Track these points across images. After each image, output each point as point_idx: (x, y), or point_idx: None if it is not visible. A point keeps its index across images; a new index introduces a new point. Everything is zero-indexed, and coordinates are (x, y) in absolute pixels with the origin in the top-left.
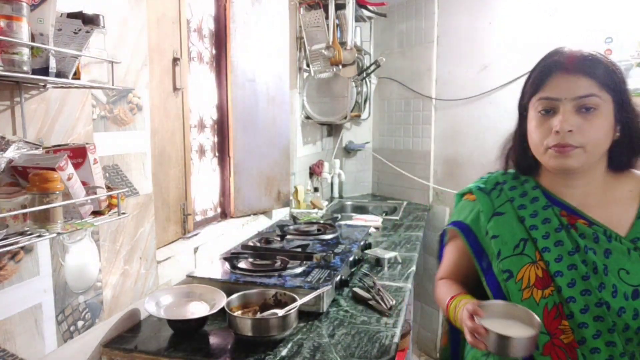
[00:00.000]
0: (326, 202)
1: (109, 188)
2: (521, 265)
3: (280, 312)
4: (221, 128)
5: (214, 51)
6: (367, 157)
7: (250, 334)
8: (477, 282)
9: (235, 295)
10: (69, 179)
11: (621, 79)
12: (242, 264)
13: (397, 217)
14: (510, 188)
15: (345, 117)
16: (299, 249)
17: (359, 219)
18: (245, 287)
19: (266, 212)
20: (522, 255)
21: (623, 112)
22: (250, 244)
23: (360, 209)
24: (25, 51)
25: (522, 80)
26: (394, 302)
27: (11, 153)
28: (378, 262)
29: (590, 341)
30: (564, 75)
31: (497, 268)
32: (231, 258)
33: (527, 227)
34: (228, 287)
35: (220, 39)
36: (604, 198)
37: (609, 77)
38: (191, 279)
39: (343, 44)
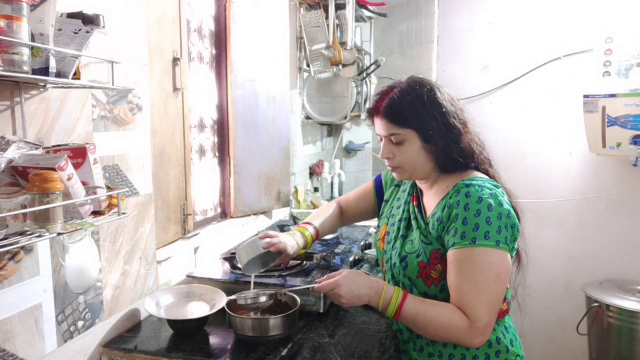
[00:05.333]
0: (326, 202)
1: (109, 188)
2: (382, 223)
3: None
4: (221, 128)
5: (214, 51)
6: (367, 157)
7: (250, 334)
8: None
9: (235, 295)
10: (69, 179)
11: (421, 112)
12: None
13: None
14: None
15: (345, 117)
16: None
17: None
18: (245, 287)
19: (266, 212)
20: (384, 217)
21: (429, 134)
22: None
23: None
24: (25, 51)
25: (522, 80)
26: None
27: (11, 153)
28: (378, 262)
29: (388, 275)
30: (376, 118)
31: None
32: (231, 258)
33: (394, 200)
34: (228, 287)
35: (220, 39)
36: (431, 190)
37: (404, 116)
38: (191, 279)
39: (343, 44)
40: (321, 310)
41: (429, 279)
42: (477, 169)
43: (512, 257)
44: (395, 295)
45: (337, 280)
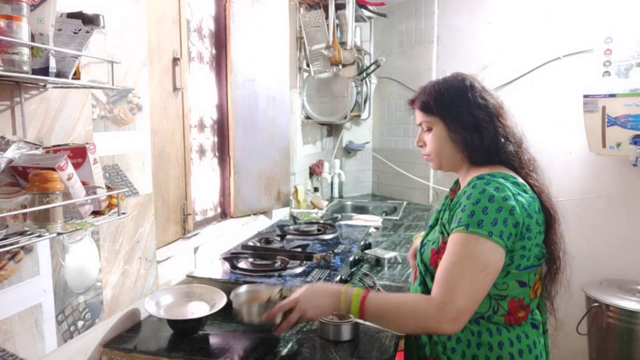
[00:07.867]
0: (326, 202)
1: (109, 188)
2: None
3: None
4: (221, 128)
5: (214, 51)
6: (367, 157)
7: (256, 321)
8: None
9: (242, 288)
10: (69, 179)
11: (447, 101)
12: (242, 264)
13: (397, 217)
14: None
15: (345, 117)
16: (299, 249)
17: (359, 219)
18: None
19: (266, 212)
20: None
21: (454, 125)
22: (250, 244)
23: (360, 209)
24: (25, 51)
25: (522, 81)
26: None
27: (11, 153)
28: (378, 262)
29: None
30: (414, 109)
31: None
32: (231, 258)
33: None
34: (228, 287)
35: (220, 39)
36: (464, 183)
37: (431, 105)
38: (191, 279)
39: (343, 44)
40: None
41: (437, 267)
42: (505, 165)
43: (518, 262)
44: (356, 294)
45: (296, 297)
